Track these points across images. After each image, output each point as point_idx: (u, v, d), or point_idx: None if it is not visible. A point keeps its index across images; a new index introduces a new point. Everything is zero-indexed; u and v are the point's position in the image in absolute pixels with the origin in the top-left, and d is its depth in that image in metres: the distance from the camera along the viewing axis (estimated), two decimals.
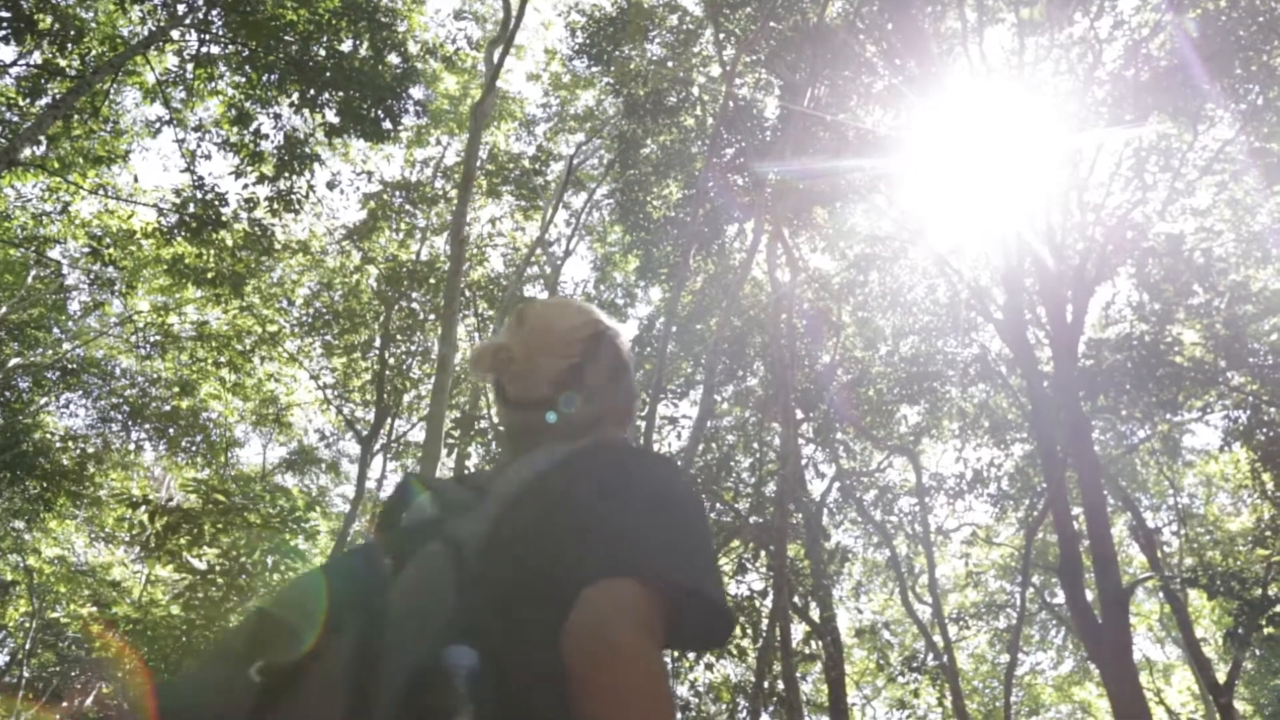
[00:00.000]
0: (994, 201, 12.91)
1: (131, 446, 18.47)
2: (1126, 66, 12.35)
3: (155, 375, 18.43)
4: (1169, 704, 20.02)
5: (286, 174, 12.99)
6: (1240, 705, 16.79)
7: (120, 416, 17.68)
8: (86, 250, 15.23)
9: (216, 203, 12.72)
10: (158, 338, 17.89)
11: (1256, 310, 13.44)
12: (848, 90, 14.34)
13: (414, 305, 17.56)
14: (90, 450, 17.41)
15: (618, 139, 17.21)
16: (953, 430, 17.61)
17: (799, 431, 14.48)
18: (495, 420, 11.67)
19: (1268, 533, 11.99)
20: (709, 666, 13.61)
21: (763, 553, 12.94)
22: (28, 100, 12.38)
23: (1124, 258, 13.06)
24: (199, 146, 13.17)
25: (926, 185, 14.28)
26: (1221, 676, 14.21)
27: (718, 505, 13.83)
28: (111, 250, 14.88)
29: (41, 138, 12.63)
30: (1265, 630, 11.04)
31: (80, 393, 17.67)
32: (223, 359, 17.67)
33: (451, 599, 1.05)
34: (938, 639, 16.50)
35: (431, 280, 16.68)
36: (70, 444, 17.23)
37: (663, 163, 16.28)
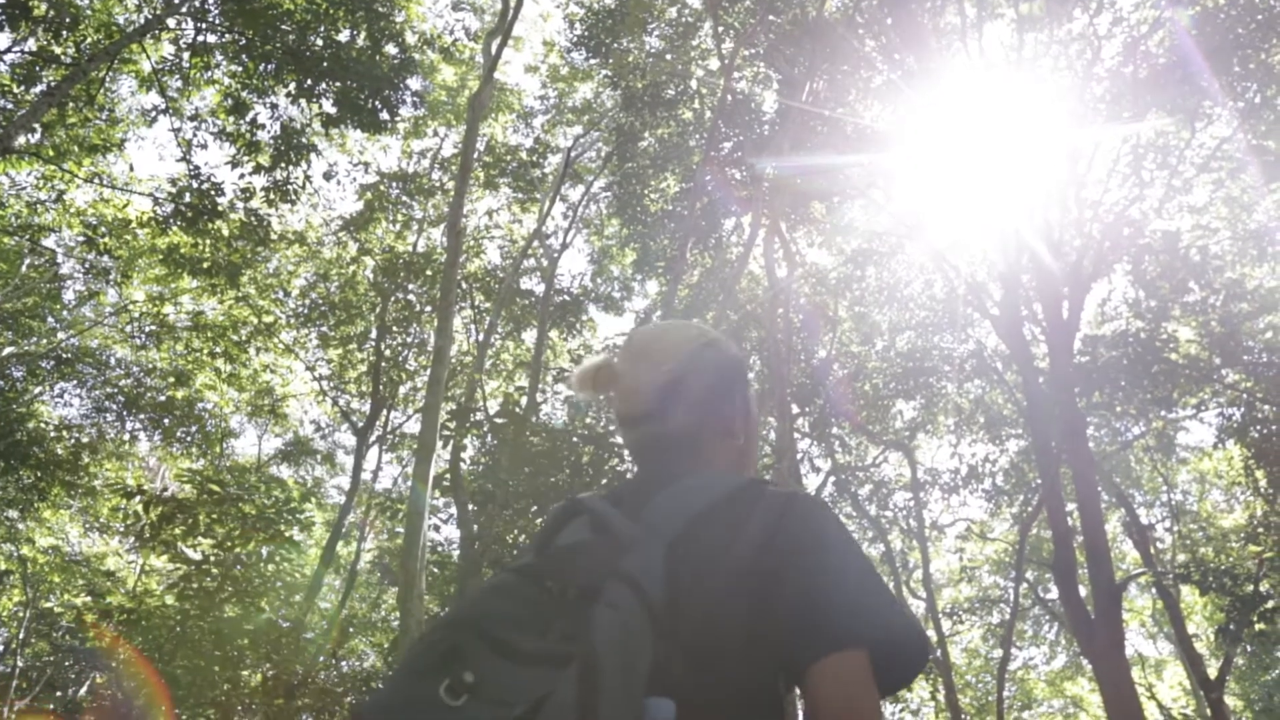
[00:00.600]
0: (991, 198, 12.91)
1: (126, 437, 18.43)
2: (1125, 63, 12.34)
3: (150, 365, 18.38)
4: (1160, 699, 20.12)
5: (283, 164, 12.95)
6: (1231, 700, 16.87)
7: (115, 406, 17.64)
8: (81, 239, 15.18)
9: (212, 192, 12.68)
10: (153, 327, 17.84)
11: (1252, 308, 13.47)
12: (846, 85, 14.32)
13: (410, 297, 17.53)
14: (85, 440, 17.37)
15: (615, 132, 17.18)
16: (948, 426, 17.65)
17: (795, 426, 14.49)
18: (491, 415, 11.67)
19: (1260, 529, 12.03)
20: None
21: None
22: (22, 87, 12.32)
23: (1120, 255, 13.07)
24: (195, 136, 13.12)
25: (924, 181, 14.27)
26: (1213, 672, 14.28)
27: None
28: (107, 239, 14.83)
29: (36, 125, 12.57)
30: (1256, 626, 11.09)
31: (75, 382, 17.62)
32: (218, 349, 17.63)
33: (650, 649, 1.03)
34: (931, 633, 16.56)
35: (428, 272, 16.65)
36: (65, 434, 17.18)
37: (660, 156, 16.26)
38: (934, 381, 16.22)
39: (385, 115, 12.64)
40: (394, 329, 17.77)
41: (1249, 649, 16.81)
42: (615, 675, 0.97)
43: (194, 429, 18.39)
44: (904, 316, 16.85)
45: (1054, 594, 18.20)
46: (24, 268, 16.99)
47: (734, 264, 13.28)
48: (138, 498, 9.63)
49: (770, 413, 14.13)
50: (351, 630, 18.48)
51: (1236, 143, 12.82)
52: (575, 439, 11.26)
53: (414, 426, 19.18)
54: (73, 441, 17.03)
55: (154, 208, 13.15)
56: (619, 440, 12.90)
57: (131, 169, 16.05)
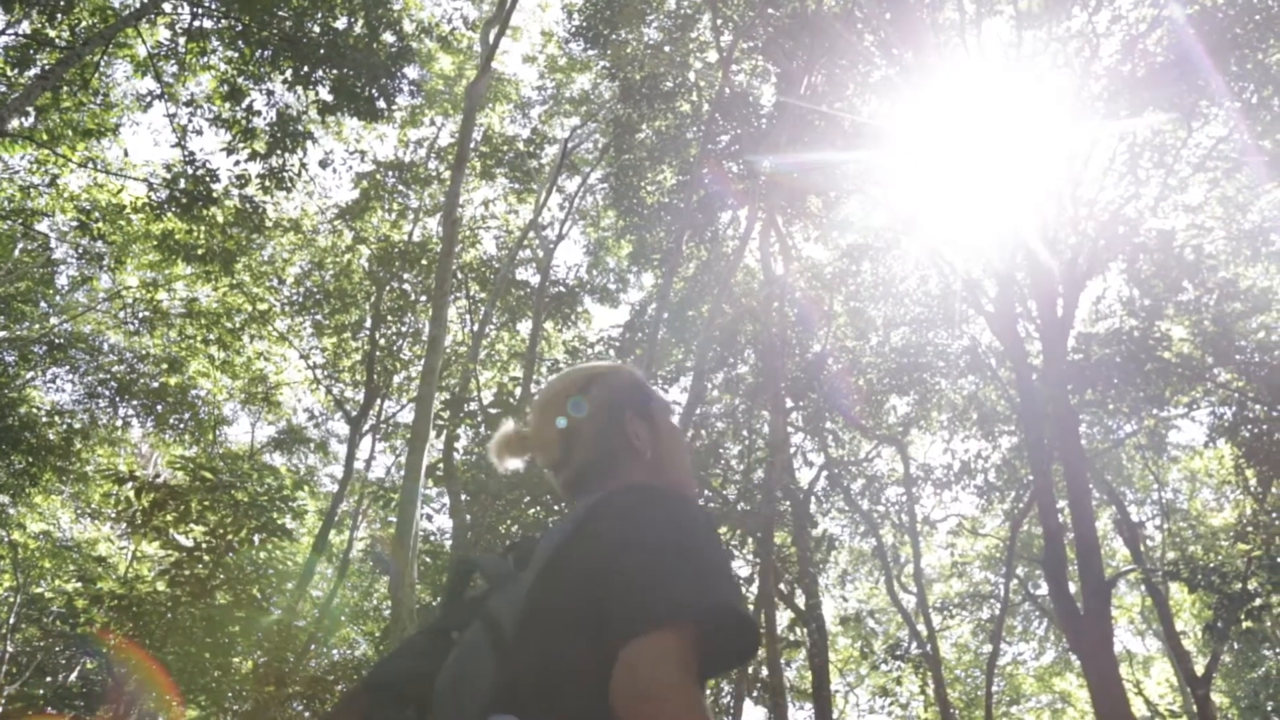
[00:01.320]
0: (988, 195, 12.92)
1: (119, 423, 18.39)
2: (1123, 61, 12.34)
3: (144, 351, 18.32)
4: (1148, 695, 20.24)
5: (278, 151, 12.89)
6: (1217, 698, 16.99)
7: (108, 392, 17.58)
8: (75, 224, 15.11)
9: (207, 179, 12.62)
10: (146, 314, 17.78)
11: (1245, 308, 13.51)
12: (845, 80, 14.30)
13: (405, 286, 17.50)
14: (77, 425, 17.31)
15: (613, 123, 17.15)
16: (941, 421, 17.69)
17: (788, 420, 14.52)
18: (485, 405, 11.69)
19: (1249, 528, 12.10)
20: None
21: (750, 539, 12.99)
22: (16, 70, 12.24)
23: (1116, 253, 13.10)
24: (190, 122, 13.05)
25: (921, 177, 14.27)
26: (1200, 669, 14.37)
27: (706, 492, 13.88)
28: (100, 224, 14.76)
29: (29, 109, 12.49)
30: (1244, 624, 11.16)
31: (67, 368, 17.55)
32: (212, 336, 17.58)
33: (490, 672, 1.14)
34: (921, 628, 16.63)
35: (423, 261, 16.62)
36: (57, 419, 17.12)
37: (658, 148, 16.23)
38: (928, 377, 16.25)
39: (382, 103, 12.59)
40: (389, 318, 17.74)
41: (1236, 646, 16.91)
42: (451, 696, 1.16)
43: (187, 416, 18.35)
44: (899, 312, 16.86)
45: (1044, 590, 18.28)
46: (17, 252, 16.91)
47: (730, 258, 13.28)
48: (130, 484, 9.62)
49: (764, 407, 14.14)
50: (343, 619, 18.50)
51: (1233, 142, 12.84)
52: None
53: (408, 416, 19.17)
54: (65, 427, 16.98)
55: (148, 193, 13.09)
56: None
57: (126, 154, 16.00)
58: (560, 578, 1.19)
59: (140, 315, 17.81)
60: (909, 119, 13.63)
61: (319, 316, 18.14)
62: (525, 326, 18.69)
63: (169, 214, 13.21)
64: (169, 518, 9.81)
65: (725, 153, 14.78)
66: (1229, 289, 13.22)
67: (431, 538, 14.09)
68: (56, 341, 17.20)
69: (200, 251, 14.44)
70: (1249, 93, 11.72)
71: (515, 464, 1.55)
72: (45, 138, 13.45)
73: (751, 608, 12.27)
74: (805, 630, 14.16)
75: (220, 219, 14.35)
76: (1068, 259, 12.51)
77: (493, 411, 10.43)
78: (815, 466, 16.83)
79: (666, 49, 16.39)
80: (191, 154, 12.68)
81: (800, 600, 14.57)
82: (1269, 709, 16.05)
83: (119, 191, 15.27)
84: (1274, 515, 12.77)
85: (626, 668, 1.06)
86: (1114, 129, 12.25)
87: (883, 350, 16.77)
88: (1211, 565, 11.73)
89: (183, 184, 12.75)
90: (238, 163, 12.89)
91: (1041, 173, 12.93)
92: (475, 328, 17.17)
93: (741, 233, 13.25)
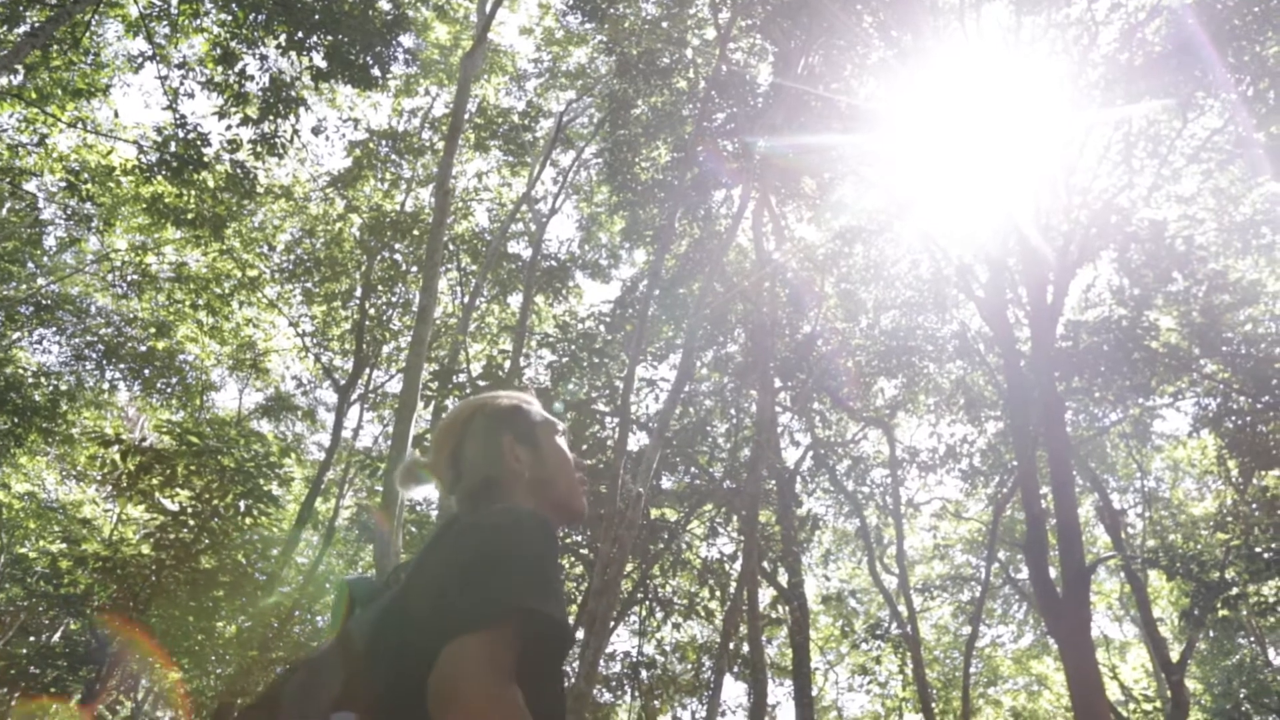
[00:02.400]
0: (982, 181, 12.92)
1: (105, 386, 18.31)
2: (1122, 49, 12.31)
3: (131, 315, 18.22)
4: (1123, 680, 20.51)
5: (271, 117, 12.77)
6: (1191, 684, 17.24)
7: (95, 355, 17.49)
8: (63, 184, 14.96)
9: (198, 143, 12.51)
10: (135, 277, 17.67)
11: (1233, 300, 13.57)
12: (842, 61, 14.23)
13: (396, 256, 17.42)
14: (63, 387, 17.23)
15: (608, 98, 17.04)
16: (928, 405, 17.78)
17: (776, 400, 14.56)
18: (474, 377, 11.68)
19: (1229, 518, 12.24)
20: (676, 626, 13.79)
21: (734, 517, 13.06)
22: (5, 27, 12.07)
23: (1107, 242, 13.13)
24: (182, 84, 12.91)
25: (916, 161, 14.24)
26: (1175, 655, 14.57)
27: (692, 469, 13.93)
28: (89, 186, 14.63)
29: (18, 66, 12.33)
30: (1220, 612, 11.30)
31: (54, 329, 17.44)
32: (201, 301, 17.49)
33: (334, 683, 1.27)
34: (902, 608, 16.79)
35: (415, 232, 16.54)
36: (43, 380, 17.04)
37: (653, 124, 16.14)
38: (916, 361, 16.31)
39: (376, 71, 12.48)
40: (379, 288, 17.67)
41: (1211, 634, 17.14)
42: (306, 703, 1.26)
43: (174, 380, 18.28)
44: (890, 295, 16.89)
45: (1024, 574, 18.46)
46: (4, 211, 16.76)
47: (723, 236, 13.26)
48: (115, 447, 9.60)
49: (753, 386, 14.18)
50: (328, 587, 18.54)
51: (1227, 134, 12.86)
52: (558, 405, 11.29)
53: (396, 386, 19.14)
54: (51, 388, 16.91)
55: (138, 156, 12.96)
56: (601, 408, 12.93)
57: (116, 115, 15.83)
58: (410, 593, 1.32)
59: (129, 278, 17.70)
60: (905, 102, 13.58)
61: (309, 284, 18.06)
62: (516, 300, 18.66)
63: (159, 177, 13.09)
64: (155, 481, 9.81)
65: (720, 131, 14.71)
66: (1218, 280, 13.28)
67: (418, 507, 14.12)
68: (44, 302, 17.09)
69: (190, 216, 14.33)
70: (1245, 84, 11.72)
71: (418, 491, 1.70)
72: (34, 96, 13.30)
73: (733, 585, 12.36)
74: (787, 608, 14.29)
75: (211, 184, 14.23)
76: (1059, 246, 12.54)
77: (481, 384, 10.42)
78: (802, 446, 16.91)
79: (664, 24, 16.26)
80: (183, 117, 12.55)
81: (783, 578, 14.69)
82: (1241, 696, 16.29)
83: (109, 153, 15.12)
84: (1254, 506, 12.91)
85: (436, 671, 1.14)
86: (1110, 115, 12.25)
87: (872, 333, 16.81)
88: (1190, 554, 11.87)
89: (173, 147, 12.63)
90: (229, 127, 12.77)
91: (1036, 159, 12.93)
92: (466, 300, 17.13)
93: (734, 212, 13.22)
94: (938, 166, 13.98)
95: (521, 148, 18.49)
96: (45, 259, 18.06)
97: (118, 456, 9.65)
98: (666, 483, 13.99)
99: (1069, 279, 12.50)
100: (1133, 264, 13.30)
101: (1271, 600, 11.11)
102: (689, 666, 15.22)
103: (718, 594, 12.81)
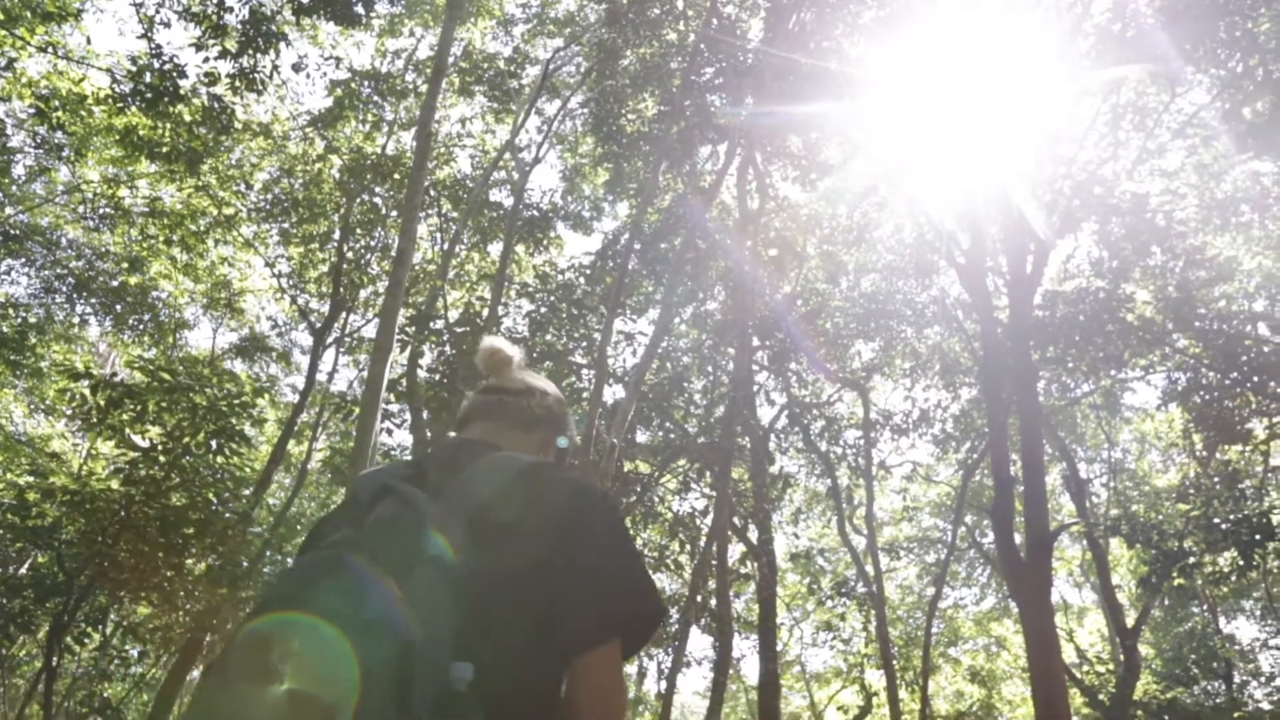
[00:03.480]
0: (969, 147, 12.87)
1: (76, 320, 18.05)
2: (1114, 20, 12.24)
3: (103, 249, 17.89)
4: (1079, 643, 21.03)
5: (250, 51, 12.44)
6: (1144, 649, 17.71)
7: (65, 288, 17.19)
8: (33, 111, 14.57)
9: (174, 74, 12.17)
10: (107, 210, 17.31)
11: (1209, 276, 13.70)
12: (834, 19, 14.05)
13: (377, 200, 17.18)
14: (32, 320, 16.97)
15: (597, 47, 16.76)
16: (904, 369, 17.91)
17: (754, 358, 14.60)
18: (451, 324, 11.61)
19: (1191, 490, 12.47)
20: None
21: (707, 473, 13.16)
22: None
23: (1089, 213, 13.17)
24: (158, 13, 12.52)
25: (903, 125, 14.16)
26: (1131, 621, 14.95)
27: (667, 424, 13.99)
28: (60, 114, 14.25)
29: None
30: (1176, 580, 11.57)
31: (23, 260, 17.11)
32: (175, 237, 17.18)
33: (453, 622, 1.16)
34: (869, 568, 17.07)
35: (396, 176, 16.29)
36: (11, 312, 16.76)
37: (641, 76, 15.92)
38: (894, 325, 16.39)
39: (360, 9, 12.16)
40: (358, 231, 17.45)
41: (1167, 602, 17.58)
42: (427, 647, 1.09)
43: (146, 317, 18.03)
44: (871, 258, 16.91)
45: (990, 539, 18.79)
46: None
47: (706, 192, 13.17)
48: (85, 381, 9.47)
49: (731, 343, 14.20)
50: (300, 528, 18.56)
51: (1214, 110, 12.87)
52: (535, 354, 11.26)
53: (373, 330, 18.99)
54: (19, 321, 16.64)
55: (111, 85, 12.62)
56: (578, 359, 12.90)
57: (89, 42, 15.36)
58: (508, 541, 1.28)
59: (100, 211, 17.34)
60: (895, 65, 13.47)
61: (286, 225, 17.79)
62: (496, 248, 18.50)
63: (133, 108, 12.77)
64: (125, 417, 9.70)
65: (709, 86, 14.54)
66: (1195, 256, 13.38)
67: (391, 452, 14.11)
68: (11, 232, 16.74)
69: (165, 150, 14.01)
70: (1235, 60, 11.70)
71: (488, 364, 1.74)
72: (2, 17, 12.89)
73: (703, 540, 12.49)
74: (756, 564, 14.48)
75: (186, 117, 13.90)
76: (1042, 216, 12.57)
77: (459, 330, 10.36)
78: (777, 406, 17.02)
79: None
80: (158, 47, 12.20)
81: (753, 535, 14.87)
82: (1191, 660, 16.77)
83: (80, 81, 14.71)
84: (1215, 479, 13.16)
85: (594, 673, 1.25)
86: (1099, 79, 12.20)
87: (852, 295, 16.85)
88: (1151, 523, 12.11)
89: (148, 78, 12.29)
90: (207, 59, 12.43)
91: (1024, 129, 12.90)
92: (445, 246, 16.96)
93: (719, 168, 13.12)
94: (925, 131, 13.91)
95: (507, 94, 18.19)
96: (14, 188, 17.65)
97: (87, 391, 9.52)
98: (641, 436, 14.06)
99: (1049, 249, 12.55)
100: (1113, 236, 13.37)
101: (1226, 570, 11.39)
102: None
103: (688, 548, 12.96)
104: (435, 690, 1.09)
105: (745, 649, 19.38)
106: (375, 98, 18.05)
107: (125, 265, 17.65)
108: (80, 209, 17.52)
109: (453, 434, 1.71)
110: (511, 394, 1.68)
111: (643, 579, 1.35)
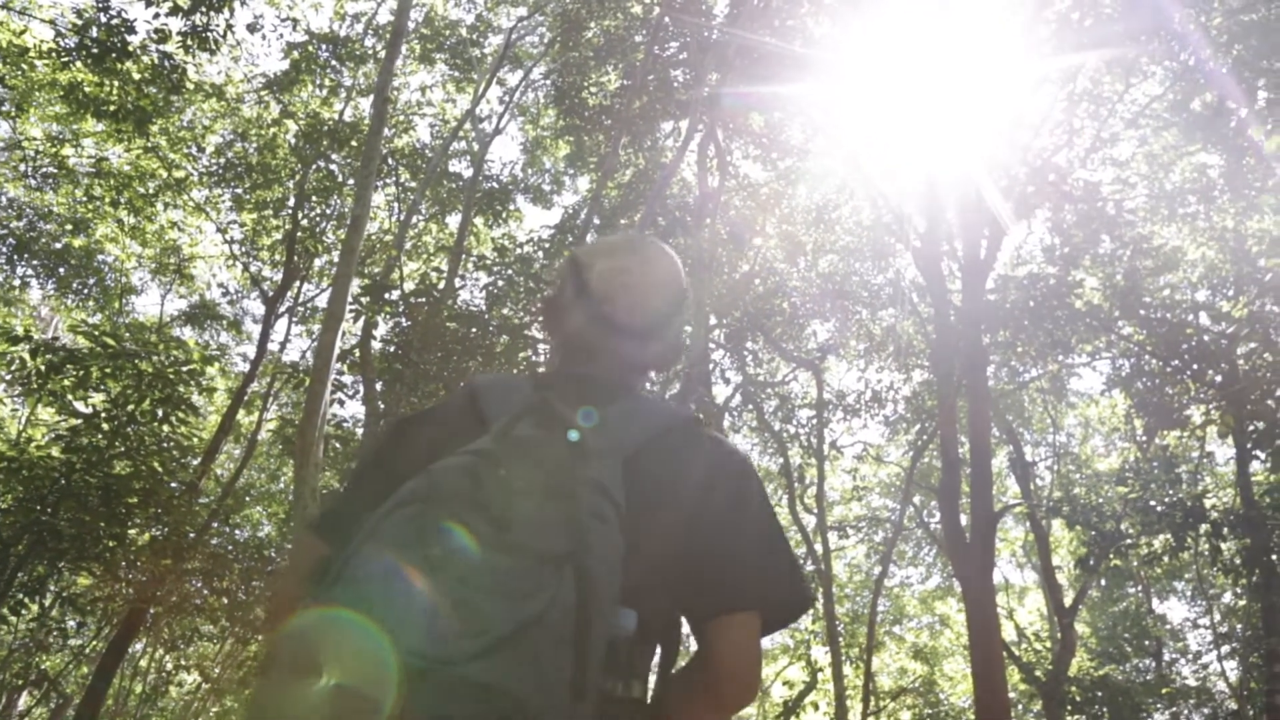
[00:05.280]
0: (929, 131, 12.98)
1: (16, 282, 17.52)
2: (1074, 9, 12.40)
3: (46, 209, 17.36)
4: (1018, 621, 21.60)
5: (203, 9, 12.10)
6: (1080, 628, 18.23)
7: (5, 249, 16.67)
8: None
9: (122, 30, 11.79)
10: (51, 169, 16.78)
11: (1155, 265, 14.01)
12: None
13: (333, 167, 16.87)
14: None
15: (560, 18, 16.57)
16: (858, 350, 18.10)
17: (710, 336, 14.65)
18: (407, 294, 11.46)
19: (1129, 474, 12.80)
20: None
21: None
22: None
23: (1043, 200, 13.38)
24: None
25: (866, 106, 14.24)
26: (1069, 601, 15.36)
27: None
28: (0, 66, 13.77)
29: None
30: (1113, 561, 11.91)
31: None
32: (122, 200, 16.72)
33: (620, 562, 1.05)
34: (818, 547, 17.32)
35: (354, 143, 16.00)
36: None
37: (604, 49, 15.79)
38: (850, 306, 16.54)
39: None
40: (313, 198, 17.12)
41: (1103, 582, 18.09)
42: (603, 584, 0.99)
43: (91, 281, 17.57)
44: (829, 239, 17.01)
45: (937, 519, 19.15)
46: None
47: (666, 168, 13.13)
48: (25, 344, 9.22)
49: (687, 320, 14.22)
50: (248, 499, 18.33)
51: (1165, 101, 13.12)
52: (492, 327, 11.18)
53: (327, 300, 18.71)
54: None
55: (55, 38, 12.20)
56: (535, 334, 12.84)
57: None
58: (664, 491, 1.21)
59: (43, 170, 16.80)
60: (859, 46, 13.51)
61: (239, 190, 17.39)
62: (454, 220, 18.29)
63: (77, 64, 12.37)
64: (66, 383, 9.47)
65: (672, 60, 14.46)
66: (1142, 245, 13.67)
67: (344, 424, 13.96)
68: None
69: (112, 108, 13.60)
70: (1187, 53, 11.91)
71: (601, 279, 1.38)
72: None
73: None
74: None
75: (135, 75, 13.49)
76: (999, 201, 12.73)
77: (414, 300, 10.24)
78: (732, 384, 17.11)
79: None
80: (105, 0, 11.82)
81: None
82: (1124, 639, 17.32)
83: (22, 33, 14.20)
84: (1154, 464, 13.52)
85: (732, 637, 1.20)
86: (1058, 65, 12.37)
87: (809, 275, 16.96)
88: (1091, 505, 12.43)
89: (94, 32, 11.90)
90: (157, 15, 12.07)
91: (982, 114, 13.04)
92: (403, 216, 16.73)
93: (679, 144, 13.08)
94: (886, 114, 13.99)
95: (468, 63, 17.94)
96: None
97: (26, 355, 9.28)
98: None
99: (1003, 235, 12.74)
100: (1065, 223, 13.60)
101: (1159, 551, 11.74)
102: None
103: None
104: (607, 635, 0.99)
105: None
106: (333, 62, 17.67)
107: (69, 227, 17.15)
108: (21, 167, 16.96)
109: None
110: (634, 332, 1.40)
111: (793, 559, 1.29)
